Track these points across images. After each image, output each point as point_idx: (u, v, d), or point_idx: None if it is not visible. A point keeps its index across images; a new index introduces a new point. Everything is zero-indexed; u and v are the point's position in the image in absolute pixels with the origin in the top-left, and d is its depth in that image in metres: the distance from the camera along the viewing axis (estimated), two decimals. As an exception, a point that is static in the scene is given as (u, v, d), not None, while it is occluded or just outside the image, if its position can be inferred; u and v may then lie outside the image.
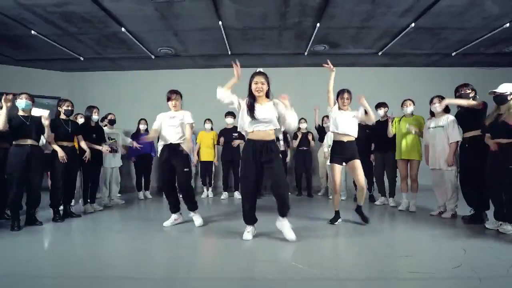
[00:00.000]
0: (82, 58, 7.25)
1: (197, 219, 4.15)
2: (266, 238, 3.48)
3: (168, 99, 4.30)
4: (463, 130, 4.27)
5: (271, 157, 3.30)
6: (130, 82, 8.41)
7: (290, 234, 3.31)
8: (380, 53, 7.07)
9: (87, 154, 4.76)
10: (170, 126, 4.17)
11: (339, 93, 4.28)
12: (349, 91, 4.24)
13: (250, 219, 3.50)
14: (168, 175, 4.20)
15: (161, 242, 3.52)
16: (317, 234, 3.69)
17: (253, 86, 3.43)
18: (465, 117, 4.21)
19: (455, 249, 3.06)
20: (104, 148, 5.04)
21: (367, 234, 3.69)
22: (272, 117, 3.34)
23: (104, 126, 5.92)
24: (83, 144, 4.79)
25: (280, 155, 3.54)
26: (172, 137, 4.14)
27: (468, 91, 4.17)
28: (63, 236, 3.77)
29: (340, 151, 4.14)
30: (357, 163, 4.12)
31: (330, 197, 6.35)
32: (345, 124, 4.12)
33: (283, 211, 3.36)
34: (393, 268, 2.62)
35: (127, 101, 8.25)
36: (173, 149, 4.13)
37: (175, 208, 4.22)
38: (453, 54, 7.06)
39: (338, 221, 4.18)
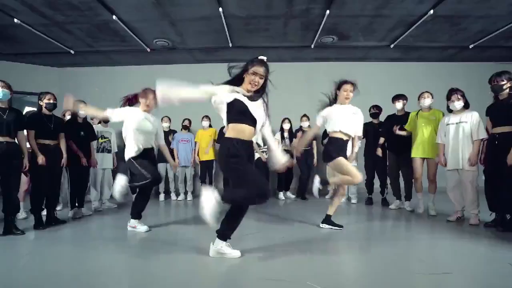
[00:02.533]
0: (72, 52, 6.81)
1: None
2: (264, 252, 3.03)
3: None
4: (495, 125, 3.81)
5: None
6: (125, 78, 7.93)
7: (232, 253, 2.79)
8: (392, 46, 6.64)
9: (64, 160, 4.24)
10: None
11: (341, 85, 3.74)
12: (353, 83, 3.70)
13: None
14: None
15: (157, 252, 3.05)
16: (329, 245, 3.26)
17: (250, 77, 2.69)
18: (499, 110, 3.75)
19: (499, 264, 2.59)
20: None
21: (389, 245, 3.22)
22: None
23: (98, 123, 5.50)
24: (63, 144, 4.29)
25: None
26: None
27: (503, 82, 3.68)
28: (43, 246, 3.29)
29: (340, 149, 3.62)
30: (340, 161, 3.55)
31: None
32: (347, 122, 3.62)
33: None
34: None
35: (121, 98, 7.80)
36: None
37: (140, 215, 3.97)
38: (471, 46, 6.63)
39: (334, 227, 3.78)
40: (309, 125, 6.30)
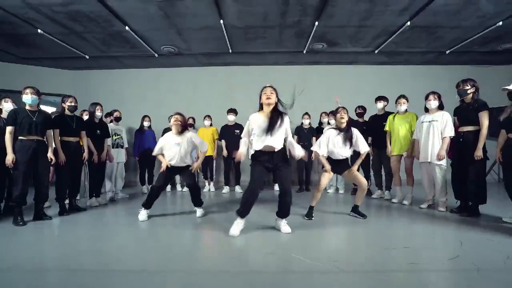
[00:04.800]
0: (87, 57, 7.17)
1: (200, 212, 4.39)
2: (261, 232, 3.48)
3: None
4: (460, 124, 4.22)
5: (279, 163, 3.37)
6: (134, 80, 8.34)
7: (285, 228, 3.44)
8: (376, 52, 7.00)
9: (85, 154, 4.70)
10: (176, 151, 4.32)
11: (335, 112, 4.27)
12: (344, 108, 4.20)
13: (245, 214, 3.45)
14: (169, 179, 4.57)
15: (165, 235, 3.48)
16: (315, 228, 3.68)
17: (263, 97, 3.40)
18: (464, 112, 4.16)
19: (452, 241, 3.04)
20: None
21: (364, 227, 3.67)
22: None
23: (110, 123, 5.89)
24: (85, 141, 4.74)
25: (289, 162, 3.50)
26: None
27: (467, 87, 4.07)
28: (69, 230, 3.72)
29: (333, 166, 4.17)
30: (353, 170, 4.17)
31: (329, 191, 6.34)
32: (339, 149, 4.14)
33: (285, 215, 3.48)
34: (392, 260, 2.58)
35: (131, 99, 8.19)
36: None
37: (150, 205, 4.26)
38: (447, 52, 6.99)
39: (311, 218, 4.11)
40: (309, 123, 6.58)
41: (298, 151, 3.46)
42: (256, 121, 3.35)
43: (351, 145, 4.13)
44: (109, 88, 8.32)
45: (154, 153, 4.43)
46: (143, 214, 4.15)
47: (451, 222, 3.80)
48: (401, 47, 6.80)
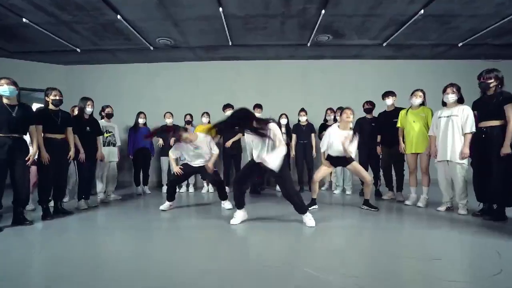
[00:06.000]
0: (79, 50, 6.71)
1: (227, 205, 4.62)
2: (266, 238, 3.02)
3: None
4: (482, 119, 3.78)
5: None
6: (129, 76, 7.90)
7: (309, 222, 3.47)
8: (385, 44, 6.55)
9: (71, 153, 4.22)
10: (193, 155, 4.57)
11: (342, 110, 4.31)
12: (351, 109, 4.27)
13: (240, 205, 3.71)
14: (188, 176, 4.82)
15: (160, 240, 3.03)
16: (324, 233, 3.23)
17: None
18: (486, 105, 3.72)
19: (487, 252, 2.58)
20: (99, 154, 4.81)
21: (380, 232, 3.22)
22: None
23: (101, 119, 5.46)
24: (71, 138, 4.26)
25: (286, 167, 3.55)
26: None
27: (490, 81, 3.64)
28: (51, 236, 3.26)
29: (333, 161, 4.39)
30: (355, 164, 4.27)
31: (335, 191, 5.91)
32: (339, 145, 4.18)
33: (301, 211, 3.56)
34: (426, 276, 2.11)
35: (126, 95, 7.76)
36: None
37: (172, 197, 4.54)
38: (460, 45, 6.55)
39: (312, 207, 4.32)
40: (306, 119, 6.23)
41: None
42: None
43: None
44: (103, 84, 7.87)
45: (172, 157, 4.60)
46: (165, 205, 4.51)
47: (477, 228, 3.34)
48: (411, 39, 6.35)
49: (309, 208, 4.05)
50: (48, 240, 3.12)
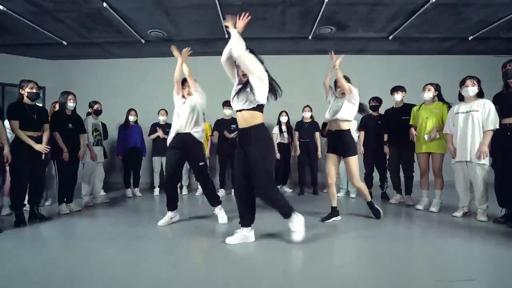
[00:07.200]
0: (65, 43, 6.23)
1: (222, 217, 3.65)
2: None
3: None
4: (504, 115, 3.36)
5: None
6: (121, 71, 7.43)
7: (295, 235, 2.71)
8: (391, 37, 6.12)
9: (42, 148, 3.65)
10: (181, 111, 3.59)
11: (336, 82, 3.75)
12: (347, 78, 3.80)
13: (242, 220, 2.84)
14: (175, 169, 3.56)
15: (152, 251, 2.62)
16: (326, 241, 2.84)
17: None
18: (509, 99, 3.29)
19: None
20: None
21: (392, 244, 2.77)
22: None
23: (88, 116, 5.03)
24: (46, 136, 3.78)
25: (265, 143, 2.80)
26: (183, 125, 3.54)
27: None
28: (22, 246, 2.83)
29: (331, 142, 3.72)
30: (349, 160, 3.55)
31: (338, 194, 5.47)
32: (334, 109, 3.68)
33: (285, 215, 2.74)
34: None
35: (118, 91, 7.30)
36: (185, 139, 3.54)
37: (174, 206, 3.61)
38: (470, 38, 6.13)
39: (333, 219, 3.61)
40: (311, 116, 5.83)
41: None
42: None
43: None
44: (94, 79, 7.39)
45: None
46: (164, 219, 3.56)
47: (502, 237, 2.92)
48: (418, 32, 5.91)
49: (330, 220, 3.58)
50: (14, 252, 2.67)
